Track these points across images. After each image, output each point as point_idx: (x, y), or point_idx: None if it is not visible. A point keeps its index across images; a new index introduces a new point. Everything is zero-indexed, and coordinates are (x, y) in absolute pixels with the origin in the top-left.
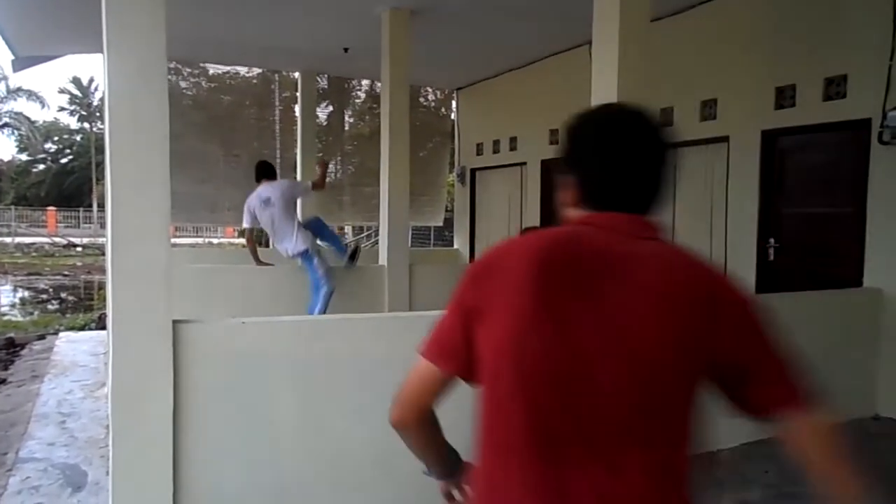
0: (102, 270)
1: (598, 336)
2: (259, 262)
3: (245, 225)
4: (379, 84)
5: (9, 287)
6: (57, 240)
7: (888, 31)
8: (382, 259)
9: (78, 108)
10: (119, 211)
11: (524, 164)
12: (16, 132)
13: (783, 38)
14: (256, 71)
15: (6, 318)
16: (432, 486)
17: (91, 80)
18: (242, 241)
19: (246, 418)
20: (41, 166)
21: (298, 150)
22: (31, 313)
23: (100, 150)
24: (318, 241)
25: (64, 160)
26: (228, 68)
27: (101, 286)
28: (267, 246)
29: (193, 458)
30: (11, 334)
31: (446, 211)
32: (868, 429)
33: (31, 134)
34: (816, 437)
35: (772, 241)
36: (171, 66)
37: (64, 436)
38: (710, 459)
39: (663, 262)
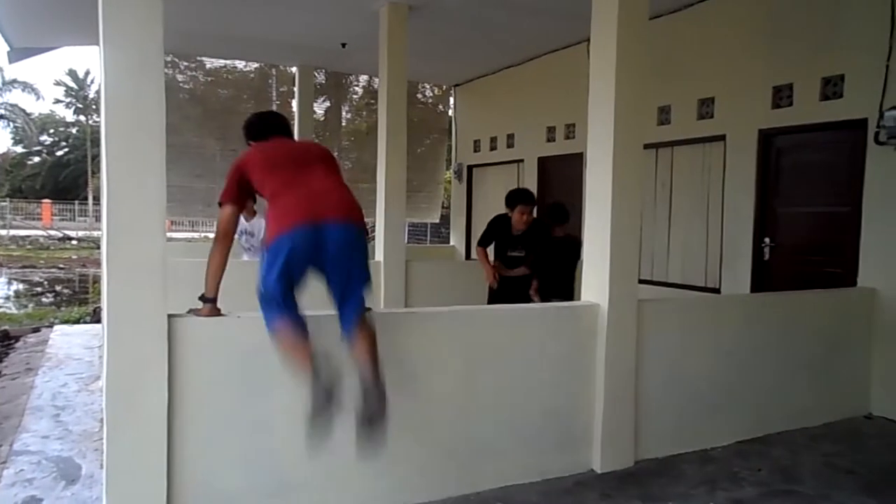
0: (97, 264)
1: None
2: None
3: None
4: (376, 79)
5: (3, 280)
6: (52, 232)
7: (885, 31)
8: (378, 255)
9: (74, 100)
10: (114, 204)
11: (521, 161)
12: (11, 124)
13: (781, 38)
14: (254, 65)
15: (0, 310)
16: (427, 478)
17: (87, 73)
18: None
19: (240, 413)
20: (36, 159)
21: None
22: (26, 306)
23: (95, 142)
24: None
25: (59, 153)
26: (226, 62)
27: (96, 279)
28: None
29: (188, 452)
30: (6, 327)
31: (443, 207)
32: (860, 427)
33: (26, 126)
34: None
35: (767, 240)
36: (168, 59)
37: (58, 429)
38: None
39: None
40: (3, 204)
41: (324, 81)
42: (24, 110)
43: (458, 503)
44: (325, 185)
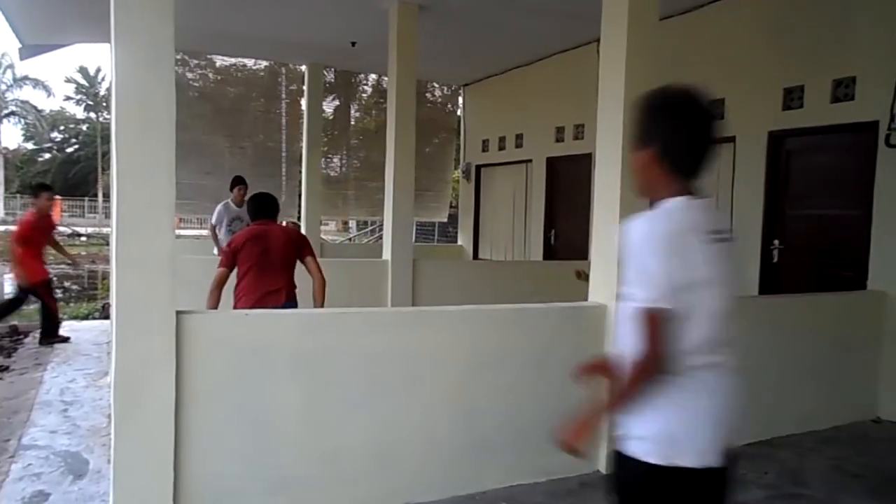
0: (107, 260)
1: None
2: None
3: None
4: (386, 79)
5: (12, 275)
6: (62, 229)
7: None
8: (386, 254)
9: (84, 97)
10: (124, 201)
11: (530, 161)
12: (22, 121)
13: (791, 39)
14: (263, 63)
15: None
16: (430, 477)
17: (98, 70)
18: None
19: (247, 409)
20: (47, 155)
21: (304, 143)
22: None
23: (106, 139)
24: None
25: (70, 149)
26: (235, 60)
27: (106, 276)
28: None
29: (194, 448)
30: (15, 322)
31: (451, 207)
32: (868, 432)
33: (37, 123)
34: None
35: (777, 242)
36: (178, 57)
37: (66, 424)
38: None
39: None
40: (14, 200)
41: (333, 80)
42: (35, 107)
43: (463, 502)
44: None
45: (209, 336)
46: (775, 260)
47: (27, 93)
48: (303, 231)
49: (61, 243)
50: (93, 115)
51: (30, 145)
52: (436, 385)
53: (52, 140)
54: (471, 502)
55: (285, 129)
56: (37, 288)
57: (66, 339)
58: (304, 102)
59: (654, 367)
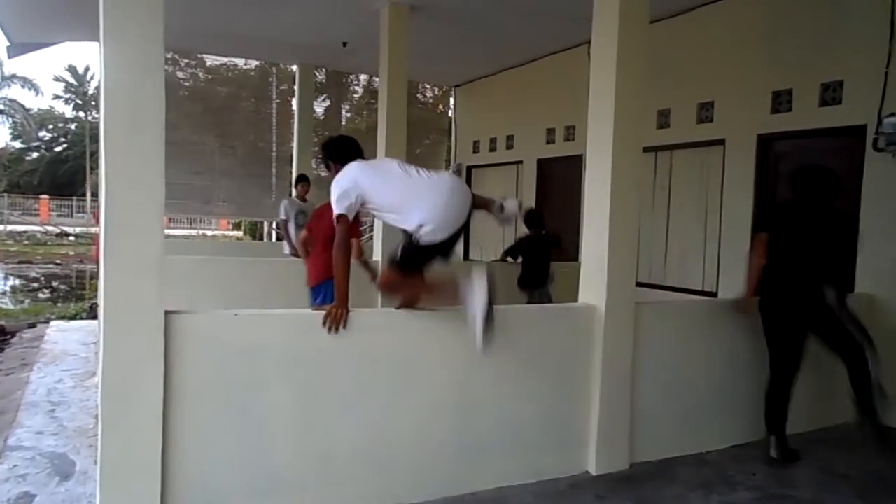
0: (94, 260)
1: None
2: None
3: None
4: (377, 79)
5: (0, 275)
6: (49, 228)
7: (885, 37)
8: (377, 255)
9: (73, 96)
10: (113, 201)
11: (520, 162)
12: (10, 119)
13: (781, 43)
14: (254, 63)
15: None
16: (422, 478)
17: (87, 69)
18: (239, 233)
19: (236, 410)
20: (35, 154)
21: (295, 144)
22: (22, 301)
23: (94, 139)
24: None
25: (58, 148)
26: (226, 60)
27: (94, 276)
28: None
29: (182, 449)
30: (2, 322)
31: None
32: (860, 433)
33: (25, 121)
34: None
35: None
36: (169, 56)
37: (53, 425)
38: None
39: None
40: (1, 199)
41: (324, 80)
42: (23, 105)
43: (454, 503)
44: None
45: (198, 336)
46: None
47: (15, 91)
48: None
49: (48, 243)
50: (81, 114)
51: (17, 144)
52: (427, 386)
53: (40, 139)
54: (461, 503)
55: (276, 129)
56: None
57: None
58: (294, 102)
59: None
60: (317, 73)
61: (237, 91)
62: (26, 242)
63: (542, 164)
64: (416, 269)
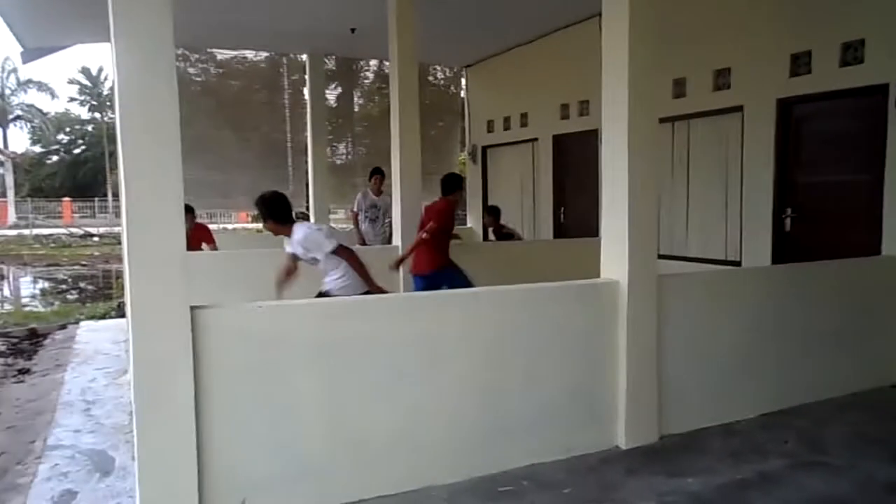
0: (120, 259)
1: None
2: None
3: None
4: (387, 64)
5: (29, 278)
6: (74, 230)
7: None
8: (396, 239)
9: (88, 97)
10: (133, 199)
11: (535, 139)
12: (28, 124)
13: (798, 4)
14: (264, 55)
15: (27, 309)
16: (453, 459)
17: (100, 70)
18: (258, 225)
19: (267, 401)
20: (54, 157)
21: (308, 133)
22: (52, 304)
23: (112, 139)
24: None
25: (77, 150)
26: (236, 53)
27: (119, 275)
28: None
29: (216, 441)
30: (34, 325)
31: None
32: (887, 397)
33: (43, 125)
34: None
35: (789, 210)
36: (179, 52)
37: (90, 423)
38: None
39: None
40: (25, 204)
41: (334, 68)
42: (40, 110)
43: (485, 482)
44: None
45: (225, 329)
46: (788, 229)
47: (32, 96)
48: (311, 219)
49: (73, 244)
50: (98, 115)
51: (37, 148)
52: (455, 368)
53: (58, 142)
54: (493, 483)
55: (289, 119)
56: None
57: None
58: (306, 92)
59: None
60: (327, 61)
61: (249, 84)
62: (52, 245)
63: (557, 140)
64: None
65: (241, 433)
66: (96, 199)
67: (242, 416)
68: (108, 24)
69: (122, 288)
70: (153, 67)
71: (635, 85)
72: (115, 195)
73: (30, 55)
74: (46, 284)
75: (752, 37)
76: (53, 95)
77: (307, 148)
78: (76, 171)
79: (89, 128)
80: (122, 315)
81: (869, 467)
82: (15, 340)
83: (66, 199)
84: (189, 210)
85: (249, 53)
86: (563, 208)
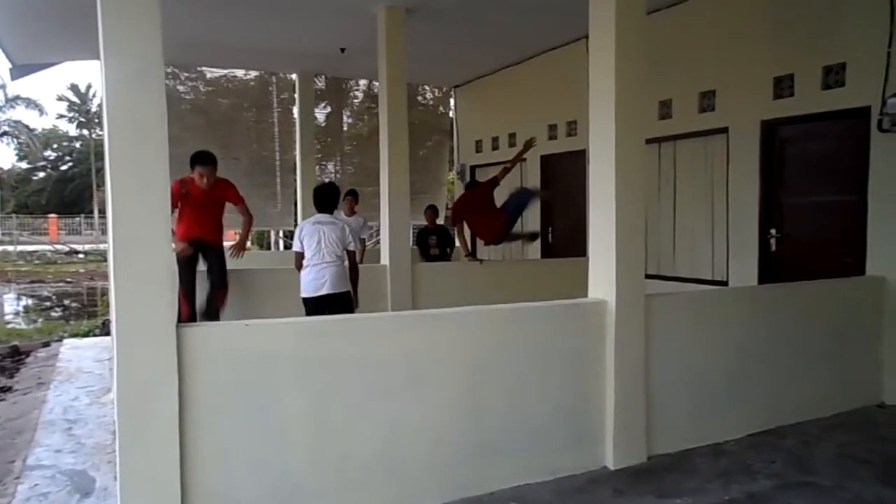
0: (105, 276)
1: None
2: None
3: None
4: (376, 83)
5: (12, 295)
6: (59, 247)
7: (886, 18)
8: (384, 258)
9: (76, 114)
10: (119, 217)
11: (524, 160)
12: (15, 140)
13: (781, 28)
14: (254, 73)
15: (10, 326)
16: (439, 479)
17: (89, 87)
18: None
19: (252, 420)
20: (41, 174)
21: (297, 152)
22: (35, 321)
23: (99, 156)
24: None
25: (64, 167)
26: (225, 71)
27: (105, 292)
28: None
29: (200, 461)
30: (16, 342)
31: (446, 209)
32: (873, 417)
33: (30, 142)
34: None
35: (773, 231)
36: (168, 70)
37: (71, 442)
38: None
39: None
40: (10, 220)
41: (324, 87)
42: (27, 126)
43: None
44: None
45: (210, 348)
46: (773, 249)
47: (20, 112)
48: None
49: (59, 261)
50: (85, 132)
51: (24, 165)
52: (440, 387)
53: (45, 159)
54: (479, 503)
55: (278, 138)
56: None
57: None
58: (295, 111)
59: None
60: (316, 81)
61: (238, 102)
62: (37, 262)
63: (545, 160)
64: None
65: (225, 453)
66: (82, 216)
67: (227, 435)
68: (98, 42)
69: (107, 305)
70: (142, 85)
71: (622, 106)
72: (102, 212)
73: (19, 72)
74: (30, 301)
75: (736, 60)
76: (42, 112)
77: (296, 166)
78: (63, 188)
79: (77, 144)
80: (107, 333)
81: (857, 488)
82: None
83: (52, 215)
84: (204, 160)
85: (239, 72)
86: (550, 228)
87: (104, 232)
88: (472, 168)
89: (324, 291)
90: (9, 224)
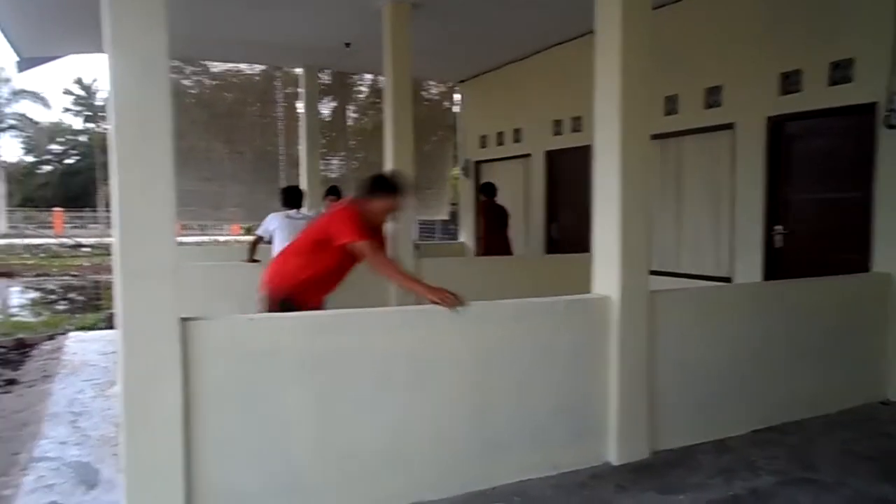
0: (110, 270)
1: None
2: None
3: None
4: (381, 78)
5: (18, 288)
6: (64, 240)
7: (893, 13)
8: (388, 253)
9: (82, 108)
10: (125, 210)
11: (528, 155)
12: (21, 134)
13: (788, 23)
14: (259, 67)
15: (16, 318)
16: (442, 475)
17: (95, 81)
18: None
19: (256, 413)
20: (47, 167)
21: (302, 146)
22: (41, 314)
23: (105, 150)
24: None
25: (69, 161)
26: (230, 65)
27: (110, 286)
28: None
29: (205, 454)
30: (22, 335)
31: (451, 204)
32: (877, 413)
33: (36, 135)
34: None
35: (779, 227)
36: (174, 64)
37: (76, 434)
38: None
39: None
40: (16, 213)
41: (329, 82)
42: (33, 120)
43: (475, 498)
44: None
45: (215, 341)
46: (778, 245)
47: (25, 106)
48: None
49: (64, 255)
50: (91, 125)
51: (29, 158)
52: (444, 383)
53: (51, 152)
54: (483, 499)
55: (283, 132)
56: None
57: None
58: (300, 105)
59: None
60: (321, 75)
61: (243, 96)
62: (42, 255)
63: (550, 155)
64: None
65: (229, 446)
66: (88, 209)
67: (231, 428)
68: (104, 35)
69: (112, 299)
70: (147, 79)
71: (627, 102)
72: (107, 206)
73: (25, 64)
74: (36, 294)
75: (742, 55)
76: (47, 105)
77: (300, 161)
78: (68, 182)
79: (82, 138)
80: (112, 326)
81: (859, 484)
82: (2, 351)
83: (58, 209)
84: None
85: (244, 66)
86: (554, 224)
87: (109, 225)
88: (477, 163)
89: None
90: (14, 217)
